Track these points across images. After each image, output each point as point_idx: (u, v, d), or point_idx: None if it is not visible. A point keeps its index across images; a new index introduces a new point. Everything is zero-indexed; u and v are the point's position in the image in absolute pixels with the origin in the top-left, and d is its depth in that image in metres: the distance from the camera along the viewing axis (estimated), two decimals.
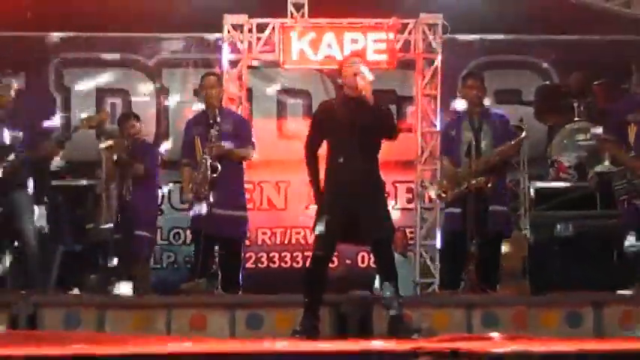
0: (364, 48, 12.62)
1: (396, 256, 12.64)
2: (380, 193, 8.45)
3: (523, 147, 11.74)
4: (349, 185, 8.23)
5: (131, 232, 10.79)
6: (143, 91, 13.92)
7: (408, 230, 13.32)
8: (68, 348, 6.57)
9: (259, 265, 13.55)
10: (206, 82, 10.35)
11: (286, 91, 13.98)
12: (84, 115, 10.49)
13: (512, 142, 10.08)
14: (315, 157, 8.53)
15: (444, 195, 10.26)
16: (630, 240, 9.57)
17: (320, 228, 8.29)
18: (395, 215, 13.01)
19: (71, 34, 13.65)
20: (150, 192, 11.27)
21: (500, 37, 13.95)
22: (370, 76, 8.33)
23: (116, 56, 13.88)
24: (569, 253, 10.38)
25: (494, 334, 7.58)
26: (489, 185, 9.84)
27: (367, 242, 8.66)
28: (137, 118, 11.48)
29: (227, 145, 10.02)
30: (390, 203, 13.29)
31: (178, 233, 13.28)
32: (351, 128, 8.27)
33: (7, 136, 9.91)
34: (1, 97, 9.97)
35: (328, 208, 8.33)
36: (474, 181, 9.73)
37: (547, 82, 13.92)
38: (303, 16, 12.83)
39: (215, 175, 9.82)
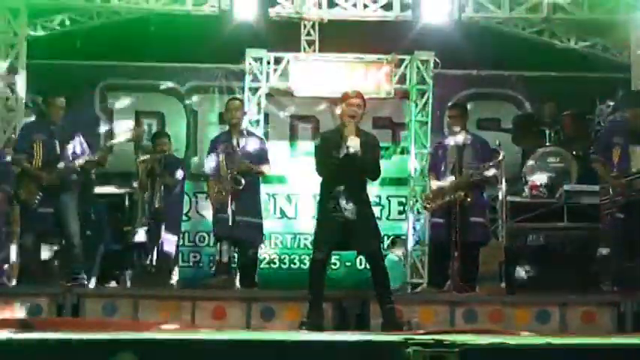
0: (366, 80, 12.68)
1: (394, 257, 12.74)
2: (369, 210, 8.42)
3: (501, 167, 11.75)
4: (338, 210, 8.21)
5: (159, 234, 10.77)
6: (176, 114, 13.93)
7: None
8: (106, 333, 6.56)
9: (272, 265, 13.52)
10: (231, 106, 10.34)
11: (298, 116, 13.96)
12: (122, 130, 10.49)
13: (490, 164, 10.09)
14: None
15: (427, 206, 10.27)
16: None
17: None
18: (388, 225, 13.14)
19: (115, 62, 13.68)
20: (176, 200, 11.27)
21: (483, 72, 13.95)
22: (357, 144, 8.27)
23: (153, 82, 13.89)
24: (539, 259, 10.33)
25: None
26: (469, 199, 9.84)
27: (360, 252, 8.67)
28: (168, 136, 11.47)
29: (248, 162, 10.02)
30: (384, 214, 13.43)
31: (203, 236, 13.23)
32: (344, 157, 8.24)
33: (57, 148, 9.93)
34: (53, 115, 10.00)
35: (324, 221, 8.33)
36: (456, 195, 9.74)
37: (522, 112, 13.90)
38: (314, 51, 12.84)
39: (240, 187, 9.81)
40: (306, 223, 13.00)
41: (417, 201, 12.59)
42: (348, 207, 8.15)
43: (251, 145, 10.19)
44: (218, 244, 10.30)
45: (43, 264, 10.17)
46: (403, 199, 13.32)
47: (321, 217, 8.43)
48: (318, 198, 8.53)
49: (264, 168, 10.29)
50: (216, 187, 10.01)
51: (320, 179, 8.44)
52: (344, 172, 8.22)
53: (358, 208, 8.22)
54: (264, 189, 11.30)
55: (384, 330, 7.96)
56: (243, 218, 9.90)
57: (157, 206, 10.73)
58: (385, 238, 13.38)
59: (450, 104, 11.32)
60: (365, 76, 12.74)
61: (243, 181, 9.84)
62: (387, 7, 12.35)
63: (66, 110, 10.12)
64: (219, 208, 10.01)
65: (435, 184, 10.19)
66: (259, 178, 10.39)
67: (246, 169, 9.97)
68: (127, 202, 11.66)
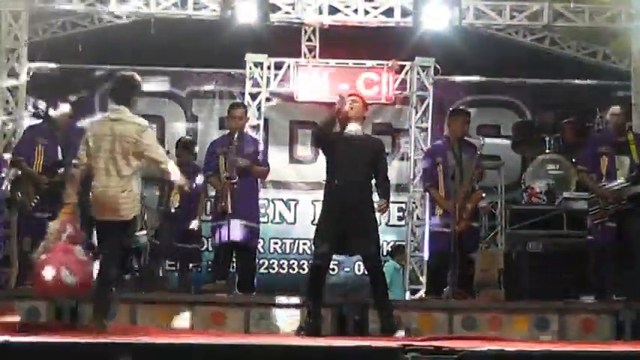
0: (366, 86, 12.70)
1: (394, 264, 12.75)
2: (370, 215, 8.37)
3: (501, 174, 11.78)
4: (343, 206, 8.20)
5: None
6: (176, 118, 13.93)
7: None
8: (104, 337, 6.56)
9: (271, 270, 13.52)
10: (235, 114, 10.30)
11: (297, 122, 13.96)
12: None
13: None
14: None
15: (457, 227, 9.97)
16: None
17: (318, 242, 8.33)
18: (388, 231, 13.15)
19: (115, 67, 13.68)
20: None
21: (483, 79, 13.97)
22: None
23: (154, 87, 13.90)
24: (538, 266, 10.32)
25: None
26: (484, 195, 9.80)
27: (358, 254, 8.65)
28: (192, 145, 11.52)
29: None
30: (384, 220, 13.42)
31: (202, 241, 13.21)
32: (349, 156, 8.24)
33: (59, 154, 9.94)
34: (59, 121, 10.01)
35: (325, 225, 8.32)
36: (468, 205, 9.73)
37: (522, 119, 13.91)
38: (314, 56, 12.87)
39: (233, 183, 9.78)
40: (305, 228, 13.00)
41: (416, 207, 12.58)
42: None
43: (249, 148, 10.19)
44: (216, 249, 10.30)
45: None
46: (403, 205, 13.31)
47: (322, 218, 8.41)
48: (322, 200, 8.50)
49: (263, 170, 10.29)
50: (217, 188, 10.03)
51: (324, 185, 8.43)
52: (348, 175, 8.22)
53: (360, 211, 8.21)
54: (264, 194, 11.30)
55: (383, 336, 7.95)
56: (240, 222, 9.90)
57: (172, 211, 10.75)
58: (385, 244, 13.40)
59: (458, 109, 11.28)
60: (365, 82, 12.76)
61: (236, 178, 9.82)
62: (388, 13, 12.35)
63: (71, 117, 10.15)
64: (218, 214, 10.02)
65: (444, 203, 10.04)
66: (258, 182, 10.38)
67: (245, 166, 9.96)
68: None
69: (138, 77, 8.13)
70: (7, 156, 11.26)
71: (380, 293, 8.33)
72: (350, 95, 8.66)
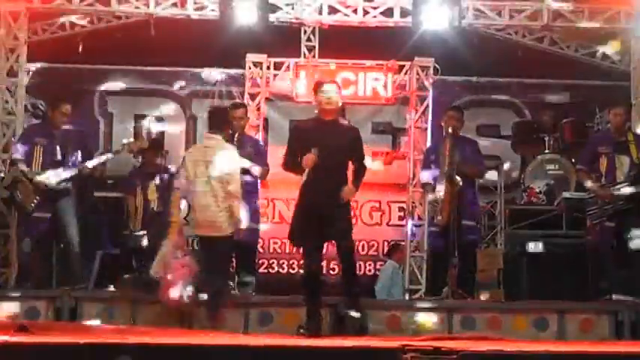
0: (365, 85, 12.71)
1: (393, 263, 12.73)
2: (344, 209, 8.33)
3: (500, 174, 11.77)
4: (316, 201, 8.17)
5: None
6: (176, 118, 13.93)
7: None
8: (104, 338, 6.56)
9: (270, 270, 13.51)
10: (236, 114, 10.27)
11: (297, 121, 13.92)
12: (125, 141, 10.41)
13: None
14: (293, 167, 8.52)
15: (439, 218, 10.03)
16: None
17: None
18: (388, 231, 13.14)
19: (115, 67, 13.69)
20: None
21: (483, 79, 13.97)
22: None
23: (153, 87, 13.91)
24: (538, 266, 10.34)
25: None
26: (461, 183, 9.67)
27: (332, 240, 8.60)
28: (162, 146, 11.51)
29: (247, 163, 10.00)
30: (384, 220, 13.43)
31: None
32: (320, 148, 8.21)
33: (59, 153, 9.93)
34: (57, 121, 10.00)
35: (300, 221, 8.29)
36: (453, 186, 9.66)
37: (522, 119, 13.92)
38: (314, 56, 12.86)
39: None
40: None
41: (416, 207, 12.58)
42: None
43: (249, 148, 10.17)
44: None
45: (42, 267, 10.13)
46: (403, 205, 13.30)
47: (297, 213, 8.38)
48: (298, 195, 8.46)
49: (263, 171, 10.27)
50: None
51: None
52: (323, 164, 8.18)
53: (334, 199, 8.17)
54: (263, 193, 11.29)
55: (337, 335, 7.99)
56: None
57: (156, 210, 10.71)
58: (385, 243, 13.40)
59: (449, 107, 11.30)
60: (365, 82, 12.76)
61: None
62: (388, 13, 12.33)
63: (69, 117, 10.14)
64: None
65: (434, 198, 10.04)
66: (257, 181, 10.37)
67: (246, 169, 9.94)
68: (125, 206, 11.61)
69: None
70: (7, 156, 11.30)
71: (349, 276, 8.38)
72: (325, 84, 8.67)
